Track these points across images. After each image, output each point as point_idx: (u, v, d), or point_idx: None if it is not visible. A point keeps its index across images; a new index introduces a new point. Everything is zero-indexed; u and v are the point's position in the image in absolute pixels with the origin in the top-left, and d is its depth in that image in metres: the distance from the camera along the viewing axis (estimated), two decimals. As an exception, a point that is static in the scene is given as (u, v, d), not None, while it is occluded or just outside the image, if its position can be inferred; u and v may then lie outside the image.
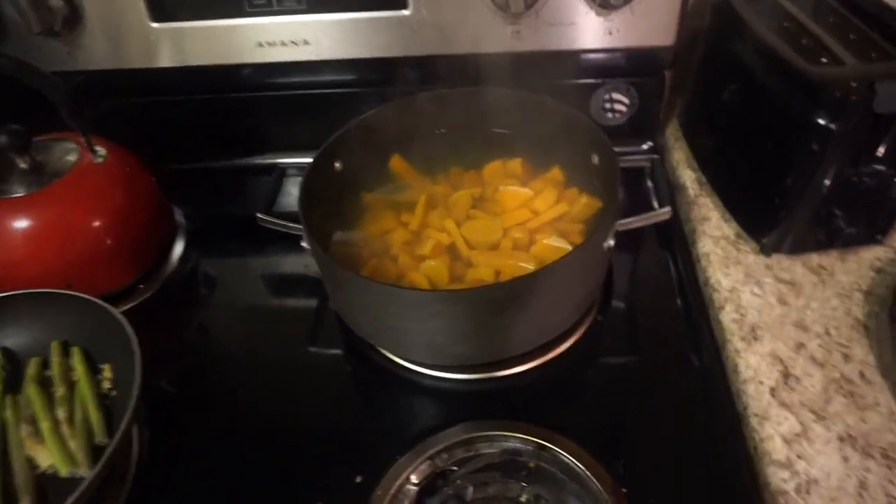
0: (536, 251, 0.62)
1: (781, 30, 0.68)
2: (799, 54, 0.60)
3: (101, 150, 0.72)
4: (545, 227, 0.65)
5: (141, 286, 0.76)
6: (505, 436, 0.56)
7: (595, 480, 0.52)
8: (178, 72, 0.78)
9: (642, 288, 0.70)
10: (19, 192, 0.67)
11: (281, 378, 0.66)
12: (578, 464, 0.53)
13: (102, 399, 0.61)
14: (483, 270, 0.61)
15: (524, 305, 0.55)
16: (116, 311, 0.62)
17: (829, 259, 0.65)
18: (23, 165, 0.68)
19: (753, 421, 0.54)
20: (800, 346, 0.58)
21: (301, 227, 0.60)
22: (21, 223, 0.67)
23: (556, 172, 0.70)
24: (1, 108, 0.68)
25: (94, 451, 0.57)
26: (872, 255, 0.65)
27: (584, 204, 0.66)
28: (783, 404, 0.54)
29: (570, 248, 0.61)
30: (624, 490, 0.52)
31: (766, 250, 0.66)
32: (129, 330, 0.61)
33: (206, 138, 0.88)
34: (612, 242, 0.58)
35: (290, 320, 0.72)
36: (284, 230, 0.63)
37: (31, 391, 0.61)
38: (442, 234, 0.65)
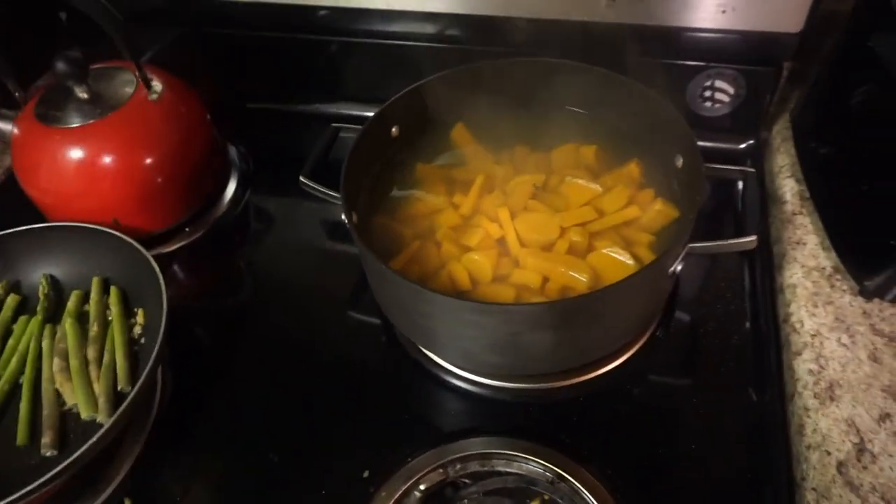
0: (593, 260, 0.55)
1: (941, 29, 0.55)
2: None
3: (156, 85, 0.70)
4: (608, 232, 0.58)
5: (187, 229, 0.75)
6: (525, 458, 0.52)
7: (611, 528, 0.47)
8: (247, 6, 0.74)
9: (711, 308, 0.62)
10: (75, 123, 0.66)
11: (313, 338, 0.65)
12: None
13: (132, 344, 0.62)
14: (530, 275, 0.55)
15: (568, 326, 0.49)
16: (150, 257, 0.62)
17: (942, 316, 0.55)
18: (81, 94, 0.67)
19: (810, 496, 0.47)
20: (884, 418, 0.49)
21: (341, 197, 0.56)
22: (75, 154, 0.66)
23: (632, 168, 0.62)
24: (60, 33, 0.66)
25: (117, 398, 0.57)
26: None
27: (657, 211, 0.58)
28: (850, 484, 0.46)
29: (632, 263, 0.54)
30: (641, 545, 0.47)
31: (866, 293, 0.56)
32: (161, 279, 0.60)
33: (271, 78, 0.85)
34: (679, 267, 0.51)
35: (334, 276, 0.70)
36: (326, 198, 0.60)
37: (68, 325, 0.62)
38: (493, 224, 0.59)
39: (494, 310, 0.48)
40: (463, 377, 0.59)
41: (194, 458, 0.57)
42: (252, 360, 0.64)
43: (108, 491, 0.55)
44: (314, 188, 0.60)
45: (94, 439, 0.50)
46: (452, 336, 0.53)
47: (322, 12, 0.74)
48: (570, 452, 0.52)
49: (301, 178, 0.61)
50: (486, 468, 0.52)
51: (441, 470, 0.52)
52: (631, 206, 0.59)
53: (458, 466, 0.53)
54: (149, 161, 0.68)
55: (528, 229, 0.58)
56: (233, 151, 0.83)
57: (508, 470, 0.52)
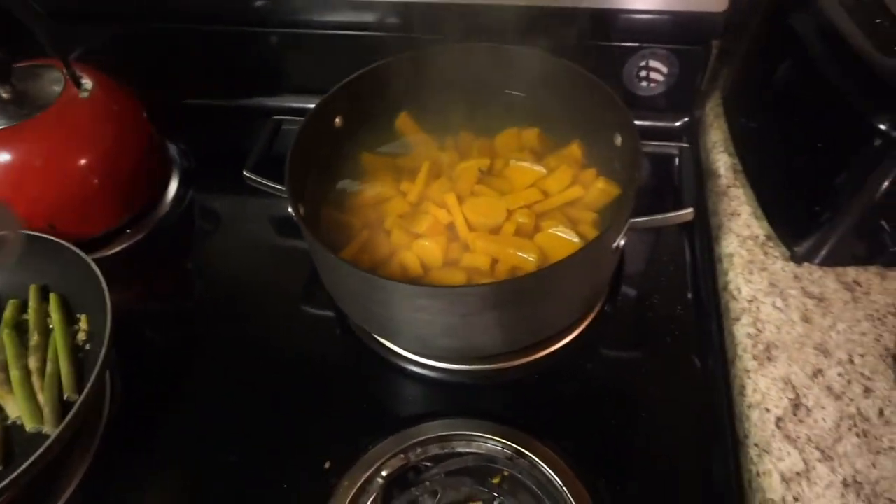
0: (540, 240, 0.57)
1: (854, 4, 0.58)
2: (871, 39, 0.51)
3: (86, 83, 0.67)
4: (554, 212, 0.59)
5: (128, 231, 0.73)
6: (484, 437, 0.53)
7: (570, 497, 0.49)
8: (178, -1, 0.72)
9: (655, 281, 0.64)
10: (0, 125, 0.63)
11: (268, 335, 0.64)
12: (555, 477, 0.50)
13: (76, 351, 0.60)
14: (480, 257, 0.56)
15: (518, 306, 0.50)
16: (90, 260, 0.60)
17: (866, 275, 0.58)
18: (4, 95, 0.64)
19: (753, 452, 0.50)
20: (817, 373, 0.53)
21: (286, 190, 0.55)
22: (2, 158, 0.63)
23: (574, 149, 0.63)
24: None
25: (63, 407, 0.55)
26: (917, 275, 0.58)
27: (600, 190, 0.59)
28: (788, 437, 0.49)
29: (577, 241, 0.55)
30: (601, 512, 0.49)
31: (796, 258, 0.59)
32: (103, 282, 0.58)
33: (209, 73, 0.83)
34: (622, 242, 0.52)
35: (285, 272, 0.69)
36: (271, 191, 0.59)
37: (5, 335, 0.60)
38: (441, 210, 0.59)
39: (444, 293, 0.48)
40: (419, 363, 0.59)
41: (149, 466, 0.55)
42: (205, 360, 0.63)
43: (59, 505, 0.53)
44: (259, 182, 0.59)
45: (41, 451, 0.49)
46: (406, 322, 0.53)
47: (258, 3, 0.72)
48: (528, 429, 0.53)
49: (245, 173, 0.60)
50: (446, 450, 0.53)
51: (402, 455, 0.53)
52: (574, 186, 0.60)
53: (419, 451, 0.53)
54: (83, 162, 0.66)
55: (475, 213, 0.59)
56: (173, 149, 0.81)
57: (468, 450, 0.53)
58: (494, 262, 0.56)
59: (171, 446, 0.57)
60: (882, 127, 0.48)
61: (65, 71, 0.65)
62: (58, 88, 0.66)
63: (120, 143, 0.69)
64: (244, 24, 0.77)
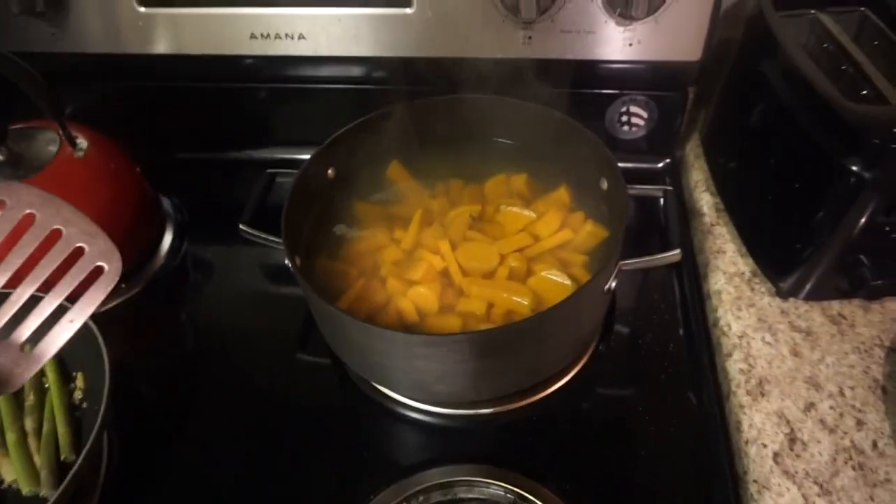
0: (533, 284, 0.58)
1: (820, 52, 0.62)
2: (836, 84, 0.54)
3: (81, 142, 0.68)
4: (545, 256, 0.60)
5: (123, 285, 0.73)
6: (485, 482, 0.53)
7: (576, 542, 0.49)
8: (169, 59, 0.74)
9: (647, 320, 0.65)
10: (-5, 186, 0.64)
11: (264, 385, 0.64)
12: (559, 522, 0.50)
13: (73, 410, 0.59)
14: (475, 302, 0.57)
15: (514, 350, 0.51)
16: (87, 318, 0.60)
17: (850, 308, 0.60)
18: (-1, 157, 0.65)
19: (753, 488, 0.50)
20: (810, 407, 0.54)
21: (282, 242, 0.56)
22: (-3, 218, 0.63)
23: (562, 193, 0.65)
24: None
25: (60, 468, 0.55)
26: (898, 306, 0.60)
27: (588, 232, 0.61)
28: (786, 473, 0.50)
29: (569, 283, 0.57)
30: (605, 556, 0.49)
31: (782, 294, 0.61)
32: (101, 340, 0.58)
33: (200, 128, 0.84)
34: (613, 284, 0.54)
35: (279, 320, 0.70)
36: (267, 244, 0.60)
37: (-1, 397, 0.59)
38: (435, 256, 0.60)
39: (443, 341, 0.49)
40: (417, 408, 0.59)
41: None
42: (202, 414, 0.63)
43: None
44: (255, 235, 0.60)
45: (39, 514, 0.48)
46: (404, 370, 0.53)
47: (248, 61, 0.74)
48: (528, 472, 0.53)
49: (241, 226, 0.61)
50: (448, 497, 0.53)
51: (405, 503, 0.53)
52: (564, 230, 0.62)
53: (421, 498, 0.53)
54: (78, 220, 0.67)
55: (468, 259, 0.60)
56: (166, 203, 0.82)
57: (470, 496, 0.53)
58: (490, 306, 0.57)
59: (170, 497, 0.56)
60: (854, 168, 0.50)
61: (60, 132, 0.67)
62: (53, 149, 0.67)
63: (115, 200, 0.70)
64: (233, 81, 0.79)
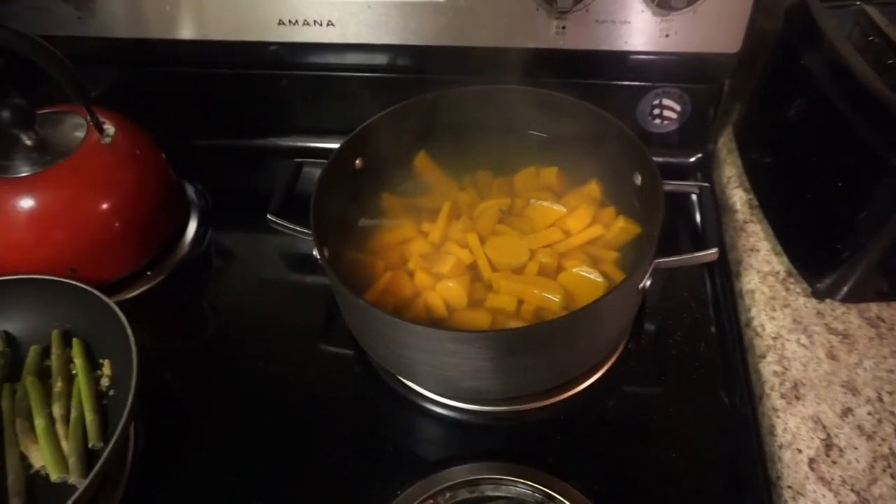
0: (564, 280, 0.57)
1: (866, 45, 0.59)
2: (882, 78, 0.52)
3: (108, 128, 0.68)
4: (575, 252, 0.59)
5: (149, 273, 0.73)
6: (512, 480, 0.53)
7: (603, 544, 0.48)
8: (196, 45, 0.73)
9: (678, 318, 0.64)
10: (24, 171, 0.64)
11: (287, 375, 0.64)
12: (587, 522, 0.50)
13: (100, 398, 0.59)
14: (504, 298, 0.56)
15: (544, 349, 0.50)
16: (115, 306, 0.60)
17: (889, 311, 0.58)
18: (27, 142, 0.65)
19: (787, 494, 0.49)
20: (847, 412, 0.52)
21: (311, 234, 0.55)
22: (25, 204, 0.64)
23: (593, 187, 0.64)
24: (5, 77, 0.64)
25: (88, 456, 0.55)
26: (940, 310, 0.58)
27: (620, 228, 0.60)
28: (822, 479, 0.49)
29: (601, 280, 0.56)
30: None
31: (819, 295, 0.60)
32: (129, 329, 0.58)
33: (224, 114, 0.84)
34: (648, 283, 0.53)
35: (304, 310, 0.69)
36: (294, 234, 0.59)
37: (28, 382, 0.59)
38: (463, 250, 0.60)
39: (473, 337, 0.48)
40: (444, 404, 0.59)
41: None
42: (226, 402, 0.63)
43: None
44: (283, 225, 0.59)
45: (70, 502, 0.48)
46: (432, 365, 0.53)
47: (275, 48, 0.73)
48: (556, 471, 0.53)
49: (269, 216, 0.60)
50: (475, 494, 0.53)
51: (431, 501, 0.52)
52: (595, 225, 0.61)
53: (448, 496, 0.53)
54: (105, 206, 0.66)
55: (497, 253, 0.59)
56: (190, 190, 0.82)
57: (497, 494, 0.53)
58: (520, 302, 0.56)
59: (194, 491, 0.56)
60: (901, 166, 0.49)
61: (88, 118, 0.66)
62: (80, 134, 0.67)
63: (141, 186, 0.69)
64: (261, 68, 0.78)
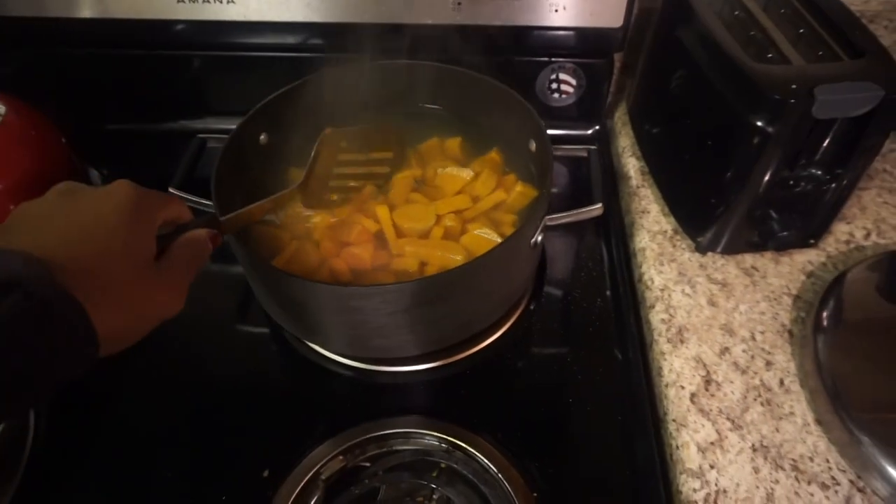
0: (466, 242, 0.59)
1: (732, 19, 0.65)
2: (745, 48, 0.57)
3: (0, 108, 0.66)
4: (480, 217, 0.62)
5: (49, 257, 0.70)
6: (420, 433, 0.55)
7: (506, 483, 0.51)
8: (98, 23, 0.72)
9: (576, 278, 0.68)
10: None
11: (202, 356, 0.64)
12: (491, 465, 0.52)
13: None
14: (409, 261, 0.58)
15: (445, 302, 0.52)
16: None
17: (762, 261, 0.64)
18: None
19: (671, 427, 0.53)
20: (724, 351, 0.57)
21: (213, 205, 0.56)
22: None
23: (494, 156, 0.67)
24: None
25: (-18, 439, 0.53)
26: (805, 258, 0.64)
27: (519, 193, 0.63)
28: (702, 411, 0.53)
29: (498, 240, 0.58)
30: (535, 494, 0.51)
31: (701, 249, 0.64)
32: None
33: (130, 97, 0.82)
34: (539, 238, 0.56)
35: (220, 296, 0.69)
36: (199, 207, 0.59)
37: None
38: (368, 220, 0.61)
39: (374, 291, 0.50)
40: (353, 367, 0.60)
41: (81, 489, 0.54)
42: (138, 387, 0.61)
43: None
44: (185, 199, 0.59)
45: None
46: (338, 325, 0.54)
47: (177, 27, 0.73)
48: (462, 423, 0.55)
49: (170, 189, 0.60)
50: (383, 449, 0.54)
51: (340, 457, 0.53)
52: (498, 190, 0.63)
53: (357, 451, 0.54)
54: (-2, 188, 0.64)
55: (406, 219, 0.61)
56: (94, 175, 0.80)
57: (406, 447, 0.54)
58: (423, 264, 0.58)
59: (102, 469, 0.55)
60: (758, 124, 0.53)
61: (-23, 96, 0.64)
62: (-31, 114, 0.65)
63: (37, 168, 0.67)
64: (164, 48, 0.77)
